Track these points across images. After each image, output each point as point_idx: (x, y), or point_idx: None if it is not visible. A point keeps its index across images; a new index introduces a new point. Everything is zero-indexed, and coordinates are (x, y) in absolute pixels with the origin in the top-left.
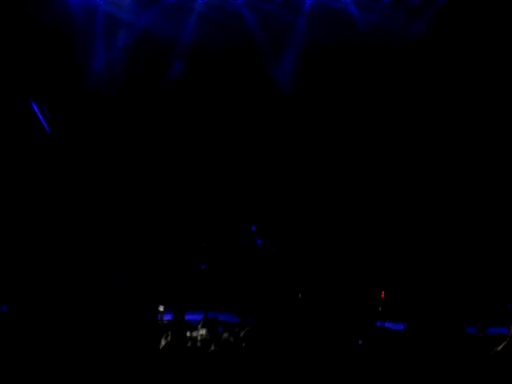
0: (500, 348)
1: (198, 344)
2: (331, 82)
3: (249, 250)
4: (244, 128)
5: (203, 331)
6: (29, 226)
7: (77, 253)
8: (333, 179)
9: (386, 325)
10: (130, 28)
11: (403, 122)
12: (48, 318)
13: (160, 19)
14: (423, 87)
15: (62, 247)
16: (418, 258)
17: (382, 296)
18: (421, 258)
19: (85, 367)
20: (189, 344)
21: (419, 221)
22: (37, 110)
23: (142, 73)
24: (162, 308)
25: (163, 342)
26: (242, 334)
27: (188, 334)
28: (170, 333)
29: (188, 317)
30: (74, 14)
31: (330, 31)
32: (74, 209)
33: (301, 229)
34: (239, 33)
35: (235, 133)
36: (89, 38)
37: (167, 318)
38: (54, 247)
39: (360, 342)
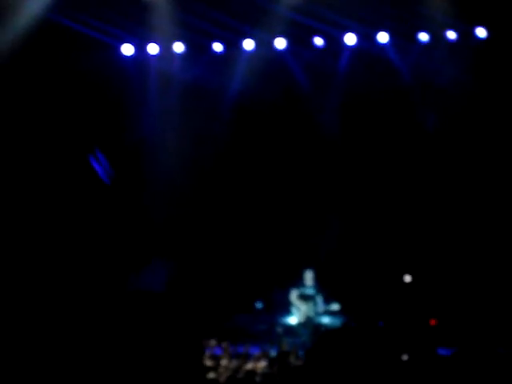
0: None
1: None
2: (374, 124)
3: None
4: (290, 173)
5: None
6: None
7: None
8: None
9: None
10: (180, 81)
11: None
12: None
13: (208, 71)
14: (461, 129)
15: None
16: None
17: (434, 323)
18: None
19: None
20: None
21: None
22: (95, 163)
23: (192, 125)
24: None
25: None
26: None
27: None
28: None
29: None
30: (125, 69)
31: (369, 75)
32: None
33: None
34: (284, 81)
35: (282, 177)
36: (140, 93)
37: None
38: None
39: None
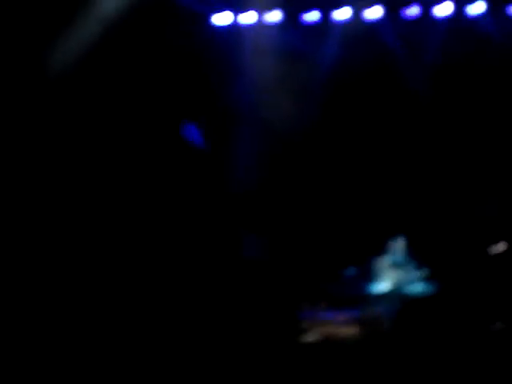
0: None
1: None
2: (466, 94)
3: None
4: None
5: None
6: None
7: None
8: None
9: None
10: (274, 50)
11: None
12: None
13: (301, 41)
14: None
15: None
16: None
17: None
18: None
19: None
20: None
21: None
22: (189, 131)
23: (286, 95)
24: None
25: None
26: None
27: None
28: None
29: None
30: (219, 39)
31: (463, 45)
32: None
33: None
34: (375, 50)
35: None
36: (234, 62)
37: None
38: None
39: None
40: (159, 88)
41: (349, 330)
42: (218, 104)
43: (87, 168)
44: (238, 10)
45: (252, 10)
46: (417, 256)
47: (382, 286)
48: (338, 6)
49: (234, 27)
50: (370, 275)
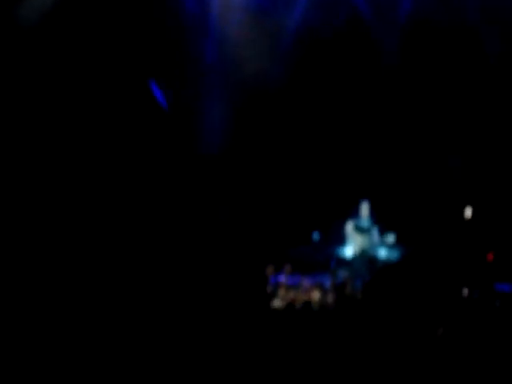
0: None
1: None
2: (439, 59)
3: None
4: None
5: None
6: None
7: None
8: None
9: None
10: (242, 12)
11: None
12: None
13: (270, 3)
14: None
15: None
16: None
17: (491, 258)
18: None
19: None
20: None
21: None
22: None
23: (254, 57)
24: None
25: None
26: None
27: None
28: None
29: None
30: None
31: (436, 8)
32: None
33: None
34: (346, 12)
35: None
36: (202, 22)
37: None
38: None
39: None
40: (126, 45)
41: (314, 295)
42: (188, 62)
43: (50, 121)
44: None
45: None
46: (381, 221)
47: (347, 250)
48: None
49: None
50: (334, 240)
